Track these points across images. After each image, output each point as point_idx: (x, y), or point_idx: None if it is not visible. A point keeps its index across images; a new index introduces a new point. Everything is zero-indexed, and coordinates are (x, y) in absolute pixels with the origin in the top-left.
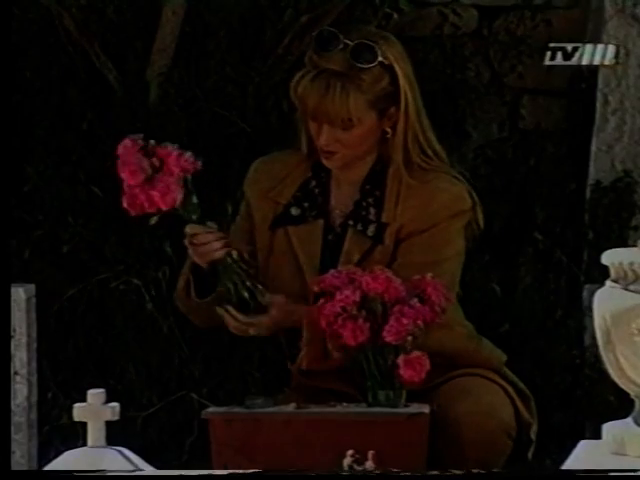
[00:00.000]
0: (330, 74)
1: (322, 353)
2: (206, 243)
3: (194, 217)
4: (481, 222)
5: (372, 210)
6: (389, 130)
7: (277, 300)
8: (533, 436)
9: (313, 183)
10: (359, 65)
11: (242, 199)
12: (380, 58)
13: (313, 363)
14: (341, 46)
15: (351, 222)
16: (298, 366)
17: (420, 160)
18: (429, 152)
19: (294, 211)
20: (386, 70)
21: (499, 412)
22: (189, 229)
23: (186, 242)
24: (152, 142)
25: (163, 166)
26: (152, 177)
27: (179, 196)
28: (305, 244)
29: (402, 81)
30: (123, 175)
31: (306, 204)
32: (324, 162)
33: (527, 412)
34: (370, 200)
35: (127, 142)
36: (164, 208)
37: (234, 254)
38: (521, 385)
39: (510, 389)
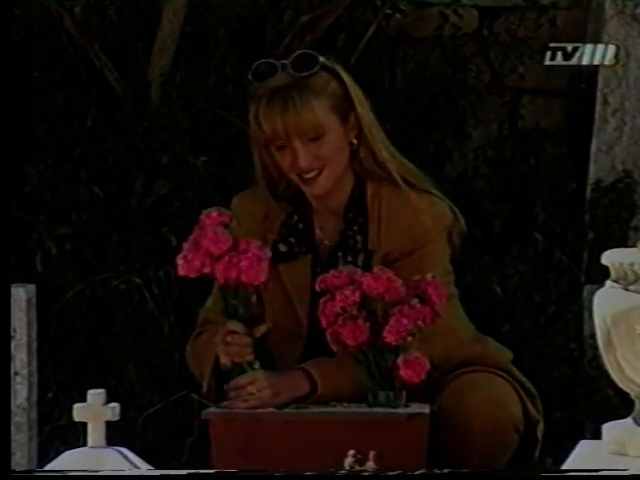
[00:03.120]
0: (283, 90)
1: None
2: (240, 345)
3: (242, 313)
4: (464, 227)
5: (359, 238)
6: (355, 141)
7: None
8: (539, 435)
9: (295, 218)
10: (302, 74)
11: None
12: (321, 59)
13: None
14: (279, 68)
15: (340, 254)
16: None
17: (393, 175)
18: (399, 168)
19: (282, 247)
20: (330, 73)
21: (508, 404)
22: (231, 325)
23: (218, 337)
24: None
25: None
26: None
27: (264, 275)
28: (295, 280)
29: (349, 83)
30: (206, 242)
31: (292, 239)
32: (308, 190)
33: (534, 409)
34: (355, 228)
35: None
36: (245, 280)
37: (256, 365)
38: (527, 384)
39: (517, 386)
